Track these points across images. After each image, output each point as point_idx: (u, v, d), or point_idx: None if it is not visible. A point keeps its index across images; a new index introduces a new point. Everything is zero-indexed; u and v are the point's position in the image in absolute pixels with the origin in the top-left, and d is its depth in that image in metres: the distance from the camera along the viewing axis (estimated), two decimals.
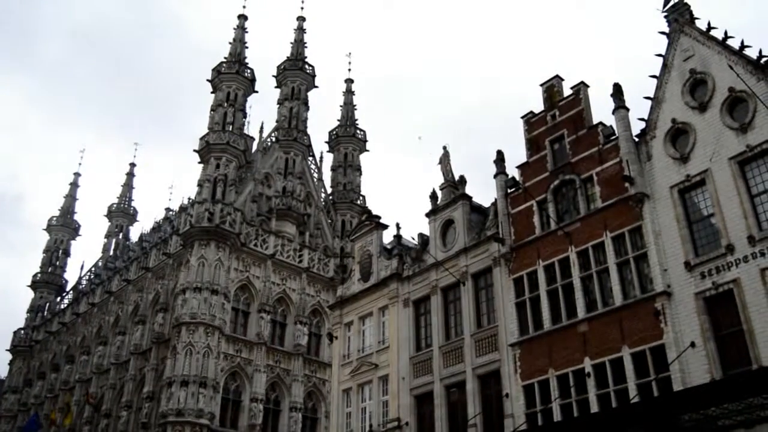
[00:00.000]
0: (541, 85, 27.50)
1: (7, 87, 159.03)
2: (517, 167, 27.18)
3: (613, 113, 24.21)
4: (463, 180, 29.68)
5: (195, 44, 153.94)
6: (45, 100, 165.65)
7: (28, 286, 71.00)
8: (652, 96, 23.65)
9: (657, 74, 23.73)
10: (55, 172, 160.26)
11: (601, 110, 26.53)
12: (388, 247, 32.80)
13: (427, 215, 30.36)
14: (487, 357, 25.61)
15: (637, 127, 23.82)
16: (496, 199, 27.67)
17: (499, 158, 28.20)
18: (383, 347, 30.10)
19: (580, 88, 26.11)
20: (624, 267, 22.58)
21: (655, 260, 21.54)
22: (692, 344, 19.76)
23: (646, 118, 23.64)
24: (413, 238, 31.33)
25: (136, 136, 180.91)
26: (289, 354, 46.08)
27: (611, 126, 24.54)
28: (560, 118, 26.24)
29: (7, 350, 68.23)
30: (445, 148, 30.80)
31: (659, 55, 23.90)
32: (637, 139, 23.61)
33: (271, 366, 44.77)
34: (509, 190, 27.27)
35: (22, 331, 68.17)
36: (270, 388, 44.46)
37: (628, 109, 24.10)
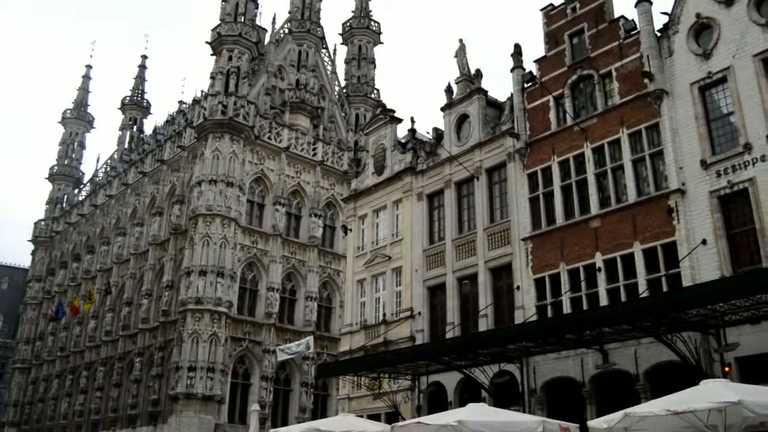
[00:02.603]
0: None
1: None
2: (535, 61, 26.71)
3: (636, 6, 23.54)
4: (479, 73, 29.25)
5: None
6: None
7: (46, 178, 71.85)
8: None
9: None
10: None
11: (624, 3, 25.76)
12: (402, 141, 32.73)
13: (442, 109, 30.13)
14: (500, 251, 26.05)
15: (659, 21, 23.23)
16: (512, 94, 27.33)
17: (517, 52, 27.62)
18: (397, 240, 30.63)
19: None
20: (639, 164, 22.57)
21: (671, 158, 21.50)
22: (704, 241, 20.01)
23: (669, 12, 22.98)
24: (428, 132, 31.19)
25: (146, 27, 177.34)
26: (304, 245, 46.98)
27: (633, 20, 23.91)
28: (580, 11, 25.53)
29: (28, 241, 69.85)
30: (461, 41, 30.23)
31: None
32: (659, 34, 23.03)
33: (287, 257, 45.76)
34: (526, 85, 26.91)
35: (43, 222, 69.50)
36: (286, 278, 45.57)
37: (651, 3, 23.42)
